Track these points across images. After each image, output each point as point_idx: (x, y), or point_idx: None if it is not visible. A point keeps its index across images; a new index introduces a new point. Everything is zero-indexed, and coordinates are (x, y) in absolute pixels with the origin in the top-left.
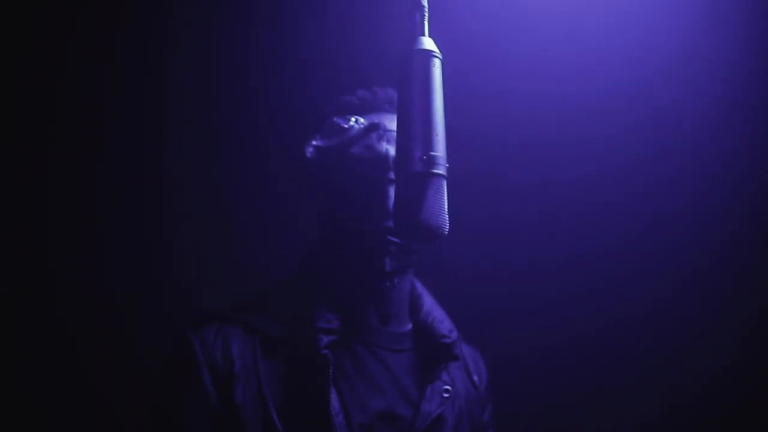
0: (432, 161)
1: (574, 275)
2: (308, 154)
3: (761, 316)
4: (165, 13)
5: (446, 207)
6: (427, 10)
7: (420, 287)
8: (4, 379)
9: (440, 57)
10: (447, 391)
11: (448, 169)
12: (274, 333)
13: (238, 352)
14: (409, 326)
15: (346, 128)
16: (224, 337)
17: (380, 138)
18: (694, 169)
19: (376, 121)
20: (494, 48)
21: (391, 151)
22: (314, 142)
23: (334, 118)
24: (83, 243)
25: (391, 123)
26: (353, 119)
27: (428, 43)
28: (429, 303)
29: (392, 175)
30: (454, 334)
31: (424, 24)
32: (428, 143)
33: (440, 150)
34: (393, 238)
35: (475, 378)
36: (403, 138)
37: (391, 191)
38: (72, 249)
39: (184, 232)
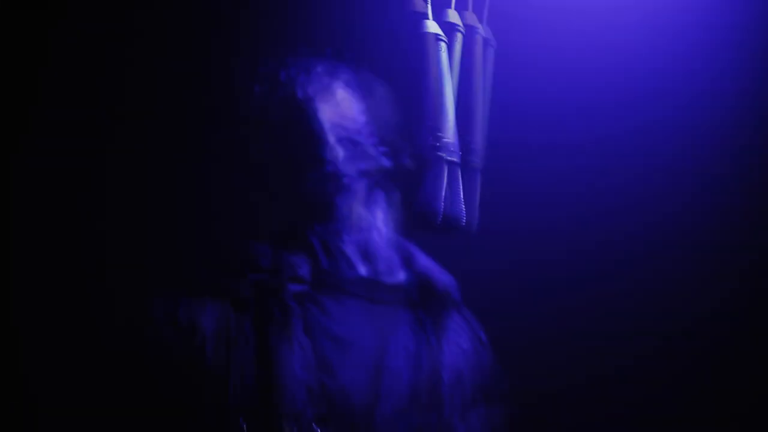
0: (443, 147)
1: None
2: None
3: (759, 262)
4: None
5: (462, 196)
6: None
7: (409, 245)
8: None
9: (446, 40)
10: (458, 342)
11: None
12: (244, 294)
13: (207, 321)
14: (402, 276)
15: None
16: (194, 305)
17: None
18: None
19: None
20: None
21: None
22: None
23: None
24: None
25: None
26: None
27: (433, 26)
28: (423, 257)
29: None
30: (453, 283)
31: (428, 7)
32: (437, 128)
33: (451, 136)
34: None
35: (482, 335)
36: (412, 124)
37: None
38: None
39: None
